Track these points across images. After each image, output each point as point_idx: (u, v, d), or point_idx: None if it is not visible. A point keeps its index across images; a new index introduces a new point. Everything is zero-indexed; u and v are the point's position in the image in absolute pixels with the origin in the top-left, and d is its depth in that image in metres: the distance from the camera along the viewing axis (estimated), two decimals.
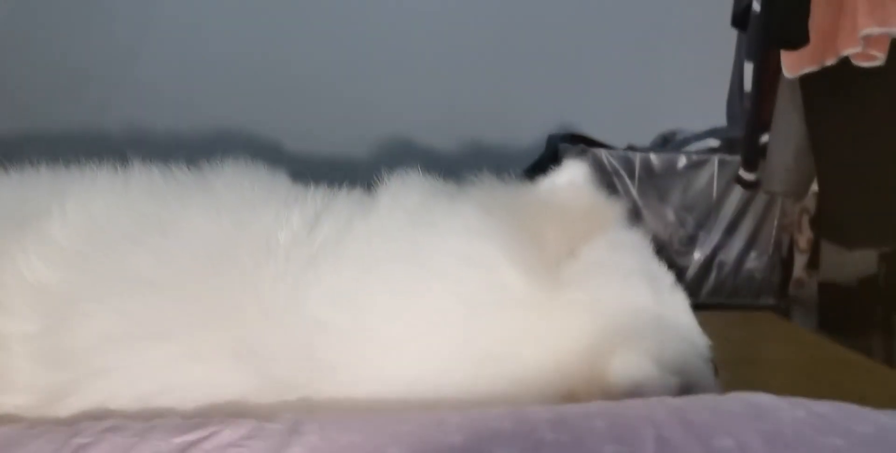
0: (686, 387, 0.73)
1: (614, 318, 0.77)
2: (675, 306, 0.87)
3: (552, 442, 0.52)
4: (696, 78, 2.91)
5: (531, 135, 2.93)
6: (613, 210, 0.88)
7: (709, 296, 2.49)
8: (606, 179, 2.48)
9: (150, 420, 0.65)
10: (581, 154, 2.49)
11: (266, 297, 0.75)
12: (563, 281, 0.79)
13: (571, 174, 0.88)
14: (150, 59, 2.82)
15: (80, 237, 0.80)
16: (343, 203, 0.85)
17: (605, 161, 2.48)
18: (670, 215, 2.51)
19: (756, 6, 2.20)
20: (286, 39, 2.85)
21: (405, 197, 0.85)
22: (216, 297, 0.75)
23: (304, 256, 0.78)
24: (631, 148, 2.63)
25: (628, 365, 0.71)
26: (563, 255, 0.81)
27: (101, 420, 0.63)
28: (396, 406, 0.72)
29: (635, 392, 0.69)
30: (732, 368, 1.20)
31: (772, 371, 1.30)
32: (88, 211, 0.82)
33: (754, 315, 1.76)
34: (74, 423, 0.61)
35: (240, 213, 0.82)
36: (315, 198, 0.86)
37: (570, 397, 0.70)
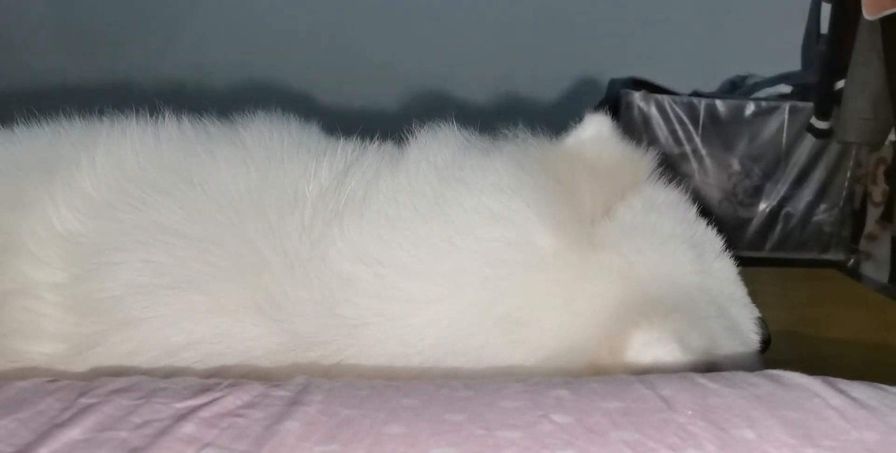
0: (713, 367, 0.68)
1: (647, 288, 0.71)
2: (721, 275, 0.80)
3: (560, 424, 0.49)
4: (769, 18, 2.75)
5: (588, 82, 2.82)
6: (645, 163, 0.83)
7: (773, 249, 2.39)
8: (669, 127, 2.39)
9: (170, 376, 0.65)
10: (644, 100, 2.40)
11: (290, 250, 0.74)
12: (596, 242, 0.74)
13: (596, 127, 0.83)
14: (180, 14, 2.76)
15: (109, 188, 0.80)
16: (372, 157, 0.83)
17: (668, 108, 2.38)
18: (735, 165, 2.40)
19: None
20: None
21: (435, 151, 0.81)
22: (241, 248, 0.75)
23: (329, 210, 0.77)
24: (696, 94, 2.51)
25: (649, 341, 0.66)
26: (599, 214, 0.77)
27: (120, 377, 0.63)
28: (416, 370, 0.70)
29: (652, 371, 0.64)
30: (791, 331, 1.15)
31: (833, 333, 1.24)
32: (118, 162, 0.82)
33: (818, 272, 1.68)
34: (91, 380, 0.61)
35: (267, 166, 0.81)
36: (345, 151, 0.84)
37: (593, 369, 0.67)
